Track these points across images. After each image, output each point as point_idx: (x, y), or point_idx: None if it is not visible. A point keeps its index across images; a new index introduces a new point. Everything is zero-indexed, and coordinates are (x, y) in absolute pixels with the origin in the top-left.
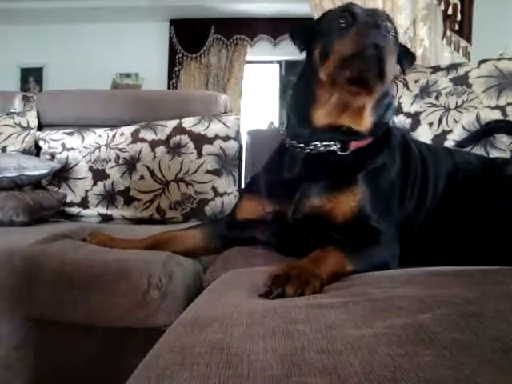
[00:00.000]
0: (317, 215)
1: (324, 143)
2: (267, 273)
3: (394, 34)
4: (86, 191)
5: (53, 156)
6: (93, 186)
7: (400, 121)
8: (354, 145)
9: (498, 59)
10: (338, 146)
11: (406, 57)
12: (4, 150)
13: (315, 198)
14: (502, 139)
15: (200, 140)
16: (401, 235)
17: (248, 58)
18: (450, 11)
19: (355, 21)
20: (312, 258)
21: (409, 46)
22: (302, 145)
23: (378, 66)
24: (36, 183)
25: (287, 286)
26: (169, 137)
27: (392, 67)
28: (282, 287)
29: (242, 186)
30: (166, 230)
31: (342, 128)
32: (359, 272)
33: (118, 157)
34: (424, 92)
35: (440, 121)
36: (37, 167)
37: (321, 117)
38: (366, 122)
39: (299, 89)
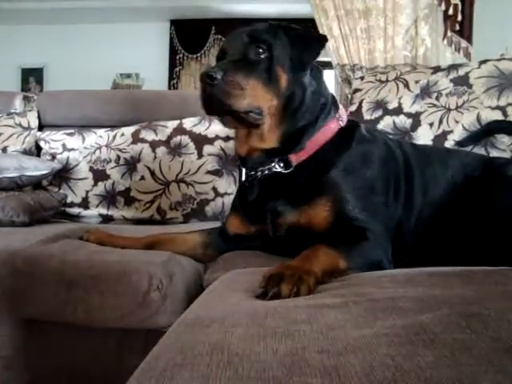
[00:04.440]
0: (297, 229)
1: (266, 166)
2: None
3: (262, 51)
4: (87, 192)
5: (53, 156)
6: (93, 186)
7: (400, 121)
8: (294, 159)
9: (499, 60)
10: (281, 164)
11: (309, 47)
12: (4, 150)
13: (287, 215)
14: (503, 139)
15: (200, 140)
16: (394, 237)
17: None
18: (450, 11)
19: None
20: (304, 257)
21: (410, 45)
22: (252, 172)
23: (229, 107)
24: (36, 183)
25: (282, 285)
26: (169, 137)
27: (249, 98)
28: (277, 287)
29: None
30: (165, 231)
31: (260, 151)
32: (353, 269)
33: (118, 157)
34: (424, 92)
35: (440, 121)
36: (37, 168)
37: (238, 149)
38: (273, 138)
39: None
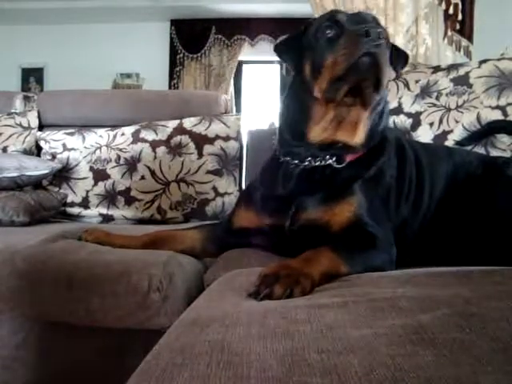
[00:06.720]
0: (314, 226)
1: (318, 158)
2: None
3: (384, 37)
4: (87, 191)
5: (53, 156)
6: (93, 186)
7: (401, 121)
8: (349, 157)
9: (499, 59)
10: (334, 159)
11: (399, 58)
12: (5, 150)
13: (312, 210)
14: (503, 139)
15: (201, 140)
16: (397, 238)
17: (248, 57)
18: (451, 11)
19: (343, 30)
20: (304, 258)
21: (411, 44)
22: (296, 161)
23: (374, 74)
24: (37, 183)
25: (275, 286)
26: (169, 137)
27: (387, 73)
28: (270, 287)
29: (243, 186)
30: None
31: (338, 144)
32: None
33: (118, 157)
34: (425, 92)
35: (440, 121)
36: (37, 167)
37: (316, 134)
38: (361, 134)
39: (290, 106)
